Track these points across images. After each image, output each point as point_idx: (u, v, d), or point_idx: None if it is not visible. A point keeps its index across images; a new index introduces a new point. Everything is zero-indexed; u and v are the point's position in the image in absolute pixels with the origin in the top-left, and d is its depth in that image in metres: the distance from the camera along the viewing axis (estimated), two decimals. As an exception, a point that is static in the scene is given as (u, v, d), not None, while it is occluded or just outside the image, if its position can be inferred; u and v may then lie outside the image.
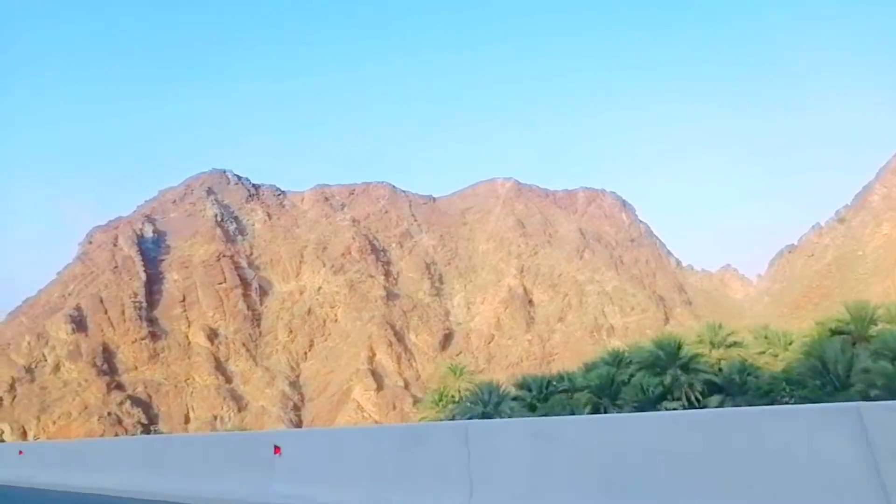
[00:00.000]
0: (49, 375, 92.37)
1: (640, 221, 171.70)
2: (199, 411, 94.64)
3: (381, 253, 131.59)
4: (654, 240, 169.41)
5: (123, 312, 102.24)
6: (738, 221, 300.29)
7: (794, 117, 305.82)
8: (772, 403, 31.56)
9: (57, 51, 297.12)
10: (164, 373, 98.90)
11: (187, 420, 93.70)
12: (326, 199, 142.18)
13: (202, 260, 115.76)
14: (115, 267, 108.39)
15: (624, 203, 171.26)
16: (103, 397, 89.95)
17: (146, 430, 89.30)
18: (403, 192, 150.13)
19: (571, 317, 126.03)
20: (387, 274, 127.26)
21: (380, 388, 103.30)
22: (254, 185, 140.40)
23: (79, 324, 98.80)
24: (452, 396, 59.88)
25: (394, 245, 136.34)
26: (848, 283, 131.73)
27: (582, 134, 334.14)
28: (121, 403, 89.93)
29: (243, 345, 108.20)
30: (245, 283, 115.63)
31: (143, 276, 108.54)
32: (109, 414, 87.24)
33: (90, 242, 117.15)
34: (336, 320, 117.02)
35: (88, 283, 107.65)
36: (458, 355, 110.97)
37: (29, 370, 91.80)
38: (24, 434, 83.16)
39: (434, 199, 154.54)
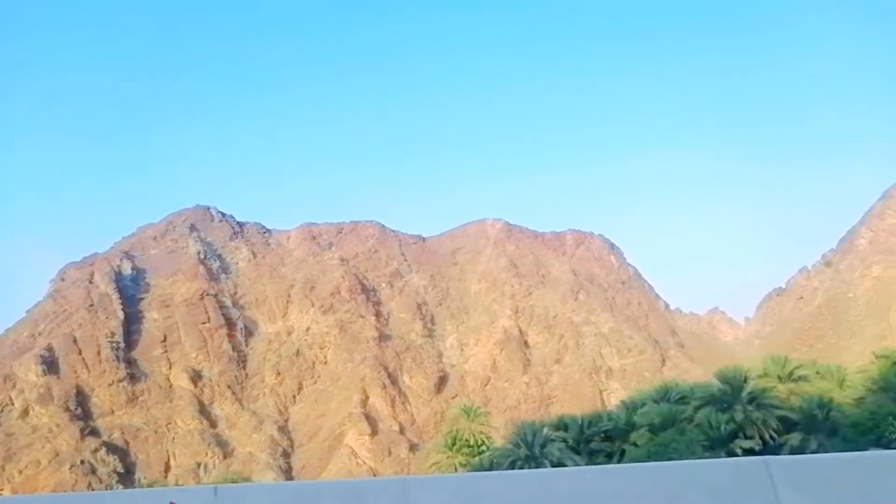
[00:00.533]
0: (16, 420, 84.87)
1: (628, 264, 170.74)
2: (181, 458, 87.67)
3: (371, 293, 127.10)
4: (642, 282, 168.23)
5: (99, 353, 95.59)
6: (723, 265, 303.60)
7: (780, 162, 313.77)
8: (880, 441, 28.43)
9: (34, 84, 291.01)
10: (144, 417, 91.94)
11: (168, 468, 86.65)
12: (314, 237, 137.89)
13: (184, 298, 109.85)
14: (91, 305, 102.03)
15: (612, 246, 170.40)
16: (76, 444, 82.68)
17: (122, 479, 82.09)
18: (393, 231, 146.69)
19: (569, 358, 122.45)
20: (377, 314, 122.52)
21: (374, 432, 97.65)
22: (238, 222, 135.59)
23: (50, 365, 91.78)
24: (467, 440, 55.55)
25: (384, 285, 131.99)
26: (841, 326, 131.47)
27: (568, 177, 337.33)
28: (95, 451, 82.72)
29: (228, 387, 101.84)
30: (230, 323, 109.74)
31: (120, 314, 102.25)
32: (83, 462, 79.98)
33: (63, 279, 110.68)
34: (326, 362, 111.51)
35: (61, 322, 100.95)
36: (453, 398, 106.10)
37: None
38: (-15, 486, 75.54)
39: (423, 239, 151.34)
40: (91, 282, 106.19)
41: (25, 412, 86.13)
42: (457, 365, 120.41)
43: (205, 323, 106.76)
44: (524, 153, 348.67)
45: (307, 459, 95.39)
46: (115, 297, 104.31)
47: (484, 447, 53.59)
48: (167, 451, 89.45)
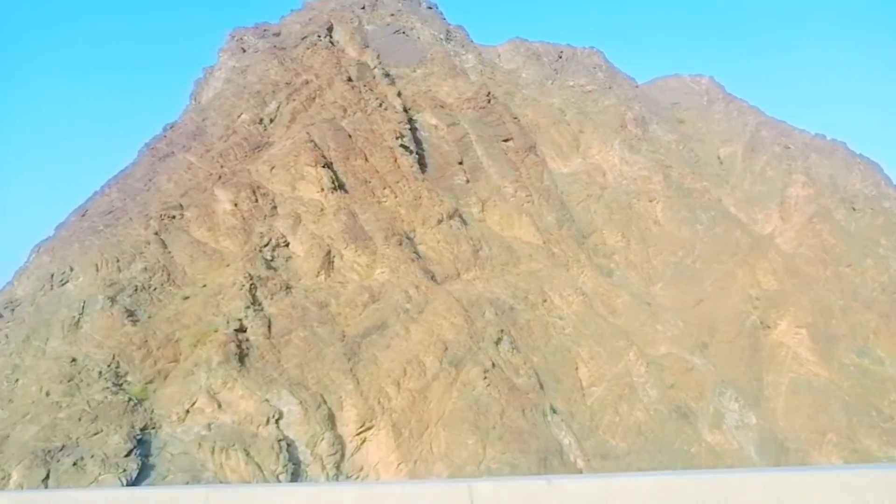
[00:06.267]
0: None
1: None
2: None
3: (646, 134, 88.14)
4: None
5: (396, 160, 51.57)
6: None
7: None
8: None
9: None
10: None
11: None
12: (537, 56, 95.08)
13: (467, 98, 66.43)
14: (349, 80, 56.08)
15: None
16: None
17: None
18: (614, 66, 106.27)
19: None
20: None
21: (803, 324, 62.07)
22: (445, 21, 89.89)
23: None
24: None
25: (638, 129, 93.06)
26: None
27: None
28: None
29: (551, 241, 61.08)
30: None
31: (397, 103, 57.42)
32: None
33: (242, 48, 62.27)
34: (658, 222, 72.79)
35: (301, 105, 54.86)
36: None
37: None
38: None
39: (637, 85, 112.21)
40: (331, 39, 59.35)
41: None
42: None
43: (507, 140, 64.18)
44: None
45: (727, 358, 58.43)
46: (378, 75, 58.66)
47: None
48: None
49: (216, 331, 33.56)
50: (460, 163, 58.85)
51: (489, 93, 66.16)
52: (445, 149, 59.31)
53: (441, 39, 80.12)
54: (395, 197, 47.97)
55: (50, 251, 37.74)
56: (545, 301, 50.17)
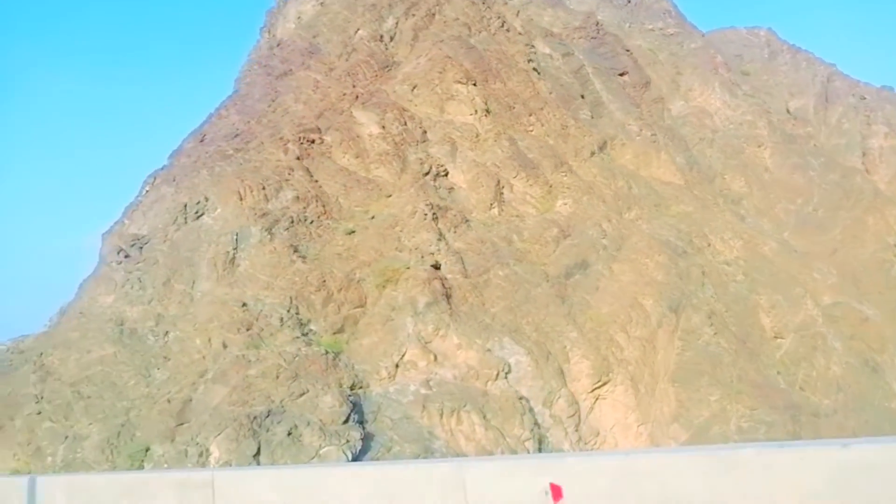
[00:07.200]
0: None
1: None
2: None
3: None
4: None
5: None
6: None
7: None
8: None
9: None
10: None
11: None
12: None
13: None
14: None
15: None
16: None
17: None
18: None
19: None
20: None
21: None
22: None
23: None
24: None
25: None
26: None
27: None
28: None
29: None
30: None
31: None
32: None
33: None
34: (767, 168, 66.28)
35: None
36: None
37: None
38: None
39: (703, 33, 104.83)
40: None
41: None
42: None
43: (622, 75, 57.07)
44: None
45: (885, 310, 52.20)
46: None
47: None
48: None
49: (408, 267, 26.51)
50: (582, 96, 51.73)
51: (598, 21, 58.98)
52: (565, 80, 52.07)
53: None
54: (542, 126, 40.89)
55: (171, 181, 30.40)
56: (709, 245, 43.52)
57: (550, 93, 44.01)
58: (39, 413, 22.30)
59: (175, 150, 32.63)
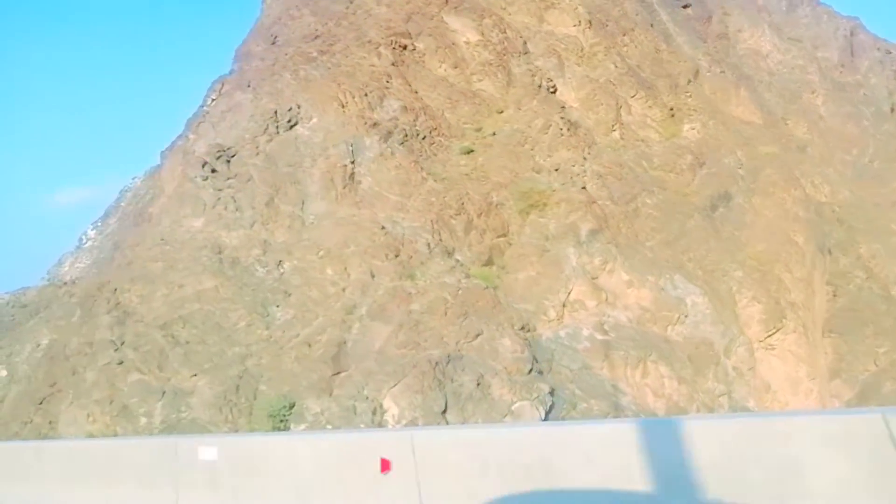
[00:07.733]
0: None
1: None
2: None
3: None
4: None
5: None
6: None
7: None
8: None
9: None
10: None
11: None
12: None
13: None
14: None
15: None
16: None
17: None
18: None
19: None
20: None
21: None
22: None
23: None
24: None
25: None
26: None
27: None
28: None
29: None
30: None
31: None
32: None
33: None
34: (821, 116, 62.93)
35: None
36: None
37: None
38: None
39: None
40: None
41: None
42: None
43: (686, 7, 52.41)
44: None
45: None
46: None
47: None
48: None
49: (554, 190, 22.06)
50: (651, 25, 47.10)
51: (658, -54, 53.98)
52: (628, 7, 47.35)
53: None
54: (636, 47, 36.30)
55: (245, 87, 25.11)
56: (804, 190, 39.95)
57: (637, 14, 39.34)
58: (121, 363, 17.57)
59: (240, 52, 27.19)
